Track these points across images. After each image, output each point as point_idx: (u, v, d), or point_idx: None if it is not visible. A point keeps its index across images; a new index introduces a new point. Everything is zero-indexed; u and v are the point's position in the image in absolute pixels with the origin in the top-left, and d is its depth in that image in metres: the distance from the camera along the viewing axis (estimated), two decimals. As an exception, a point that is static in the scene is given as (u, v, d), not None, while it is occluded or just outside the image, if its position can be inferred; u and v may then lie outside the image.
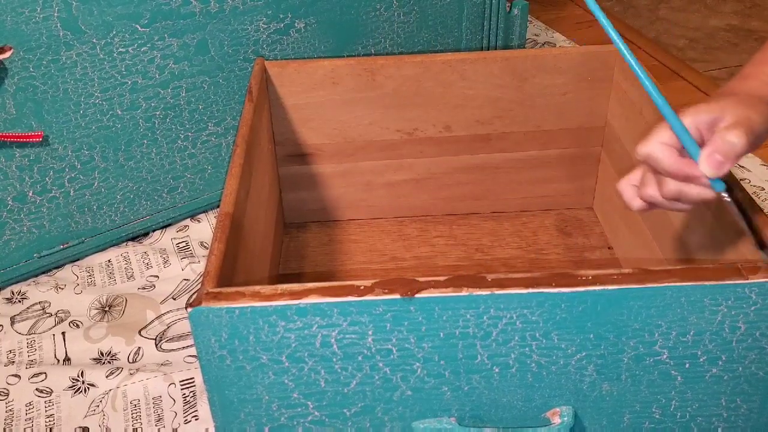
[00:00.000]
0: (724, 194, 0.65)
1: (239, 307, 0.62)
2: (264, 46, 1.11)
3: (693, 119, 0.66)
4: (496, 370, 0.67)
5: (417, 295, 0.63)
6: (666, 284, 0.63)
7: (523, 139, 1.12)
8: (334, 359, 0.65)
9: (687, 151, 0.65)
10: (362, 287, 0.63)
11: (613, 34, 0.67)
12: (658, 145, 0.66)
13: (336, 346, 0.65)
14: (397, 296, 0.63)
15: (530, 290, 0.63)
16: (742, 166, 1.31)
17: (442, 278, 0.64)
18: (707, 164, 0.63)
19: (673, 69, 1.65)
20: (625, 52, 0.67)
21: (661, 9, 1.99)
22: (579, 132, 1.11)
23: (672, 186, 0.66)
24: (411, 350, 0.65)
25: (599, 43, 1.09)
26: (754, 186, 1.27)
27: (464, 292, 0.63)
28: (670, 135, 0.66)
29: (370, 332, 0.64)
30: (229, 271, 0.71)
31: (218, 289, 0.64)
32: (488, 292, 0.63)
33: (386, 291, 0.63)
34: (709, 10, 2.00)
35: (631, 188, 0.72)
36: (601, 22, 0.67)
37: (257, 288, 0.63)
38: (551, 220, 1.18)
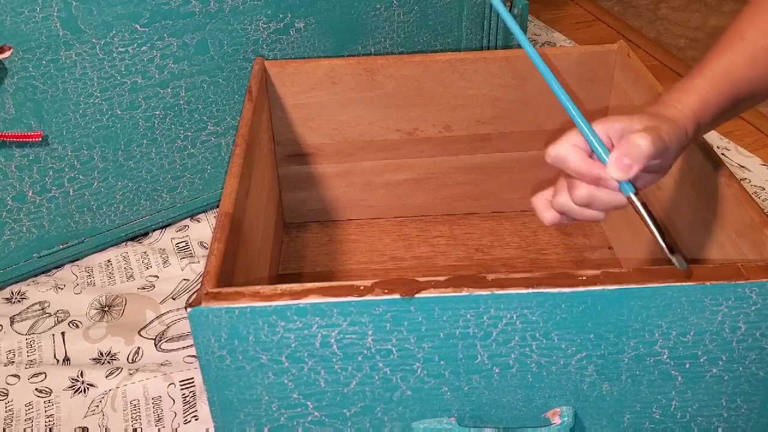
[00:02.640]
0: (634, 198, 0.65)
1: (239, 307, 0.62)
2: (264, 45, 1.11)
3: (603, 126, 0.67)
4: (497, 370, 0.67)
5: (417, 295, 0.62)
6: (666, 284, 0.63)
7: (524, 138, 1.11)
8: (334, 359, 0.65)
9: (596, 154, 0.66)
10: (362, 287, 0.63)
11: (522, 38, 0.67)
12: (567, 146, 0.66)
13: (336, 346, 0.65)
14: (397, 296, 0.62)
15: (530, 290, 0.63)
16: (743, 166, 1.31)
17: (442, 278, 0.64)
18: (615, 166, 0.64)
19: (673, 69, 1.65)
20: (530, 51, 0.67)
21: (661, 8, 1.98)
22: (579, 132, 1.11)
23: (583, 190, 0.66)
24: (411, 350, 0.65)
25: (600, 42, 1.09)
26: (754, 186, 1.27)
27: (464, 292, 0.63)
28: (582, 139, 0.66)
29: (370, 332, 0.64)
30: (229, 271, 0.71)
31: (218, 289, 0.63)
32: (488, 292, 0.63)
33: (386, 291, 0.63)
34: (710, 9, 2.00)
35: (545, 201, 0.72)
36: (506, 21, 0.67)
37: (257, 288, 0.63)
38: (551, 220, 1.18)
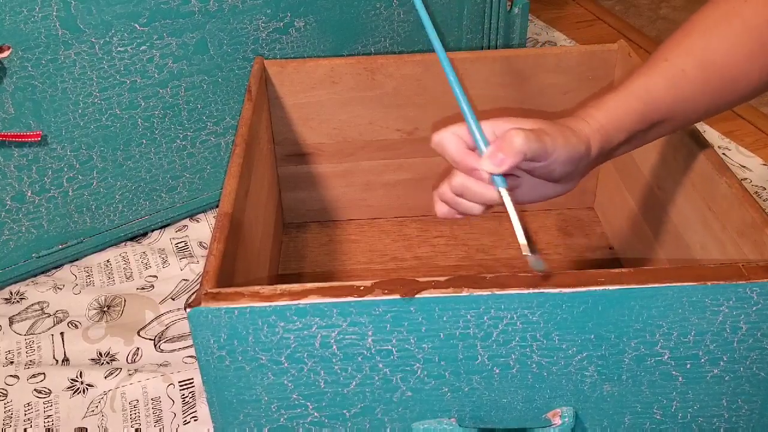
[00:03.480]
0: (504, 192, 0.66)
1: (238, 308, 0.62)
2: (263, 45, 1.11)
3: (492, 123, 0.68)
4: (497, 370, 0.67)
5: (417, 296, 0.62)
6: (667, 284, 0.63)
7: (524, 138, 1.11)
8: (334, 360, 0.65)
9: (477, 147, 0.68)
10: (362, 288, 0.63)
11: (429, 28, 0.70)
12: (449, 134, 0.69)
13: (336, 347, 0.64)
14: (397, 296, 0.62)
15: (531, 290, 0.63)
16: (744, 166, 1.31)
17: (442, 278, 0.63)
18: (488, 159, 0.66)
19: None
20: (436, 44, 0.70)
21: (662, 8, 1.98)
22: (579, 131, 1.11)
23: (457, 179, 0.69)
24: (411, 351, 0.65)
25: (600, 42, 1.08)
26: (755, 186, 1.27)
27: (465, 293, 0.62)
28: (467, 131, 0.68)
29: (369, 333, 0.64)
30: (229, 271, 0.71)
31: (217, 290, 0.63)
32: (489, 293, 0.63)
33: (386, 291, 0.62)
34: (710, 9, 1.99)
35: (437, 194, 0.74)
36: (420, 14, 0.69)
37: (256, 288, 0.63)
38: (552, 220, 1.17)
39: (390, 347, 0.65)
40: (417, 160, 1.12)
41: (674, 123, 0.75)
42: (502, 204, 0.67)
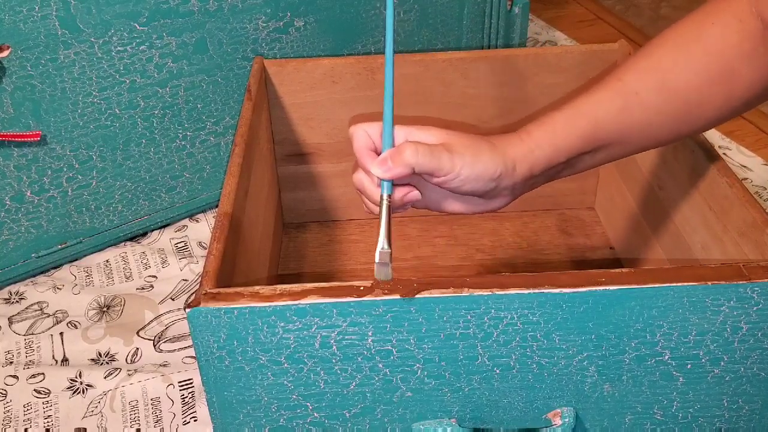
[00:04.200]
0: (385, 197, 0.67)
1: (238, 308, 0.62)
2: (263, 44, 1.11)
3: (407, 130, 0.69)
4: (497, 371, 0.67)
5: (417, 296, 0.62)
6: (668, 285, 0.63)
7: (524, 138, 1.11)
8: (334, 360, 0.65)
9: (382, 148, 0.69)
10: (362, 288, 0.63)
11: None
12: (360, 131, 0.70)
13: (335, 347, 0.64)
14: (397, 296, 0.62)
15: (531, 291, 0.63)
16: (744, 166, 1.31)
17: (442, 279, 0.63)
18: (377, 164, 0.67)
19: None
20: (389, 41, 0.69)
21: (662, 7, 1.98)
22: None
23: (358, 175, 0.71)
24: (411, 351, 0.65)
25: (601, 41, 1.08)
26: (756, 186, 1.27)
27: (465, 293, 0.62)
28: (378, 131, 0.69)
29: (369, 333, 0.64)
30: (228, 271, 0.71)
31: (217, 290, 0.63)
32: (489, 293, 0.62)
33: (386, 291, 0.62)
34: (710, 9, 1.99)
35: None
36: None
37: (256, 288, 0.63)
38: (552, 221, 1.17)
39: (390, 347, 0.65)
40: (417, 159, 1.12)
41: (627, 147, 0.73)
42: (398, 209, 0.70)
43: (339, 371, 0.66)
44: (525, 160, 0.69)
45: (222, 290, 0.63)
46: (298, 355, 0.64)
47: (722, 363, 0.68)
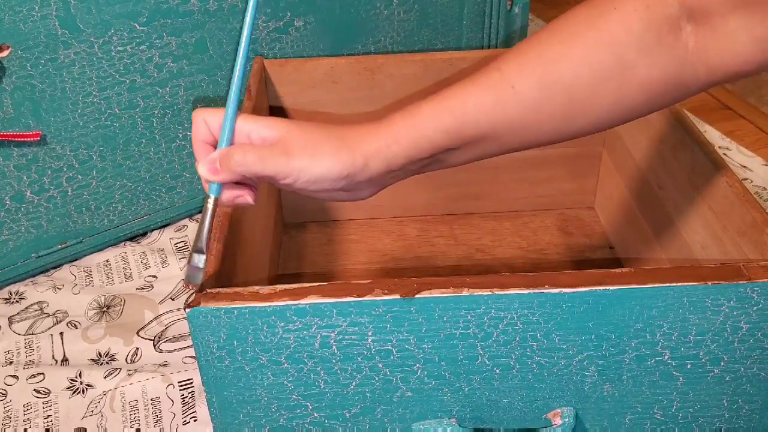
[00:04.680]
0: (210, 200, 0.64)
1: (238, 308, 0.62)
2: (263, 44, 1.11)
3: (256, 126, 0.64)
4: (497, 371, 0.67)
5: (417, 296, 0.62)
6: (668, 284, 0.63)
7: (524, 138, 1.11)
8: (334, 360, 0.65)
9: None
10: (362, 288, 0.63)
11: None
12: (200, 118, 0.65)
13: (335, 347, 0.64)
14: (397, 296, 0.62)
15: (531, 291, 0.63)
16: (745, 166, 1.31)
17: (442, 278, 0.63)
18: (206, 165, 0.63)
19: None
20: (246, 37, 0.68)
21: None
22: (580, 131, 1.11)
23: (197, 164, 0.65)
24: (411, 351, 0.65)
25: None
26: (756, 186, 1.27)
27: (465, 293, 0.62)
28: (218, 120, 0.64)
29: (369, 333, 0.64)
30: (228, 271, 0.71)
31: (217, 290, 0.63)
32: (489, 293, 0.62)
33: (386, 291, 0.62)
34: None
35: None
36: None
37: (256, 288, 0.63)
38: (552, 220, 1.17)
39: (390, 347, 0.65)
40: (417, 159, 1.12)
41: (503, 145, 0.66)
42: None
43: (339, 371, 0.66)
44: (380, 156, 0.63)
45: (222, 290, 0.63)
46: (298, 355, 0.64)
47: (722, 363, 0.68)
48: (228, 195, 0.65)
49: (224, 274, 0.68)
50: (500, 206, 1.18)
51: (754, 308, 0.64)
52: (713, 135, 1.39)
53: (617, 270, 0.65)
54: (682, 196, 0.89)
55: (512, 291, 0.63)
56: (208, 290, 0.63)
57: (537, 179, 1.15)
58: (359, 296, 0.62)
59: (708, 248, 0.84)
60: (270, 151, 0.62)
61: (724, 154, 1.34)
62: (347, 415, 0.69)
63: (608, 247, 1.12)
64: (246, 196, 0.65)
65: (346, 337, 0.64)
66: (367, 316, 0.63)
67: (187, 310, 0.62)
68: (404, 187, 1.14)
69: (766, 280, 0.63)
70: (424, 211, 1.18)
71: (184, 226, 1.19)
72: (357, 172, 0.63)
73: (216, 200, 0.64)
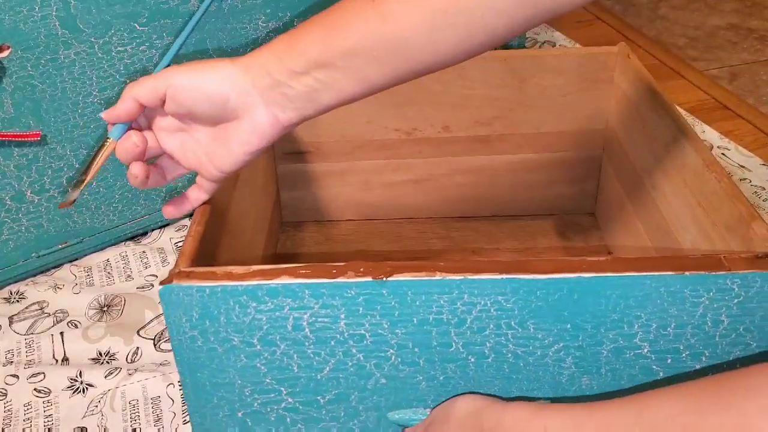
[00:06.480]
0: (107, 142, 0.68)
1: (209, 286, 0.62)
2: (263, 44, 1.11)
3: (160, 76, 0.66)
4: (472, 359, 0.66)
5: (389, 279, 0.62)
6: (645, 273, 0.62)
7: (523, 141, 1.11)
8: (307, 343, 0.65)
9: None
10: (334, 269, 0.63)
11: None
12: (130, 97, 0.67)
13: (308, 330, 0.64)
14: (369, 279, 0.62)
15: (504, 276, 0.62)
16: (743, 166, 1.30)
17: (416, 262, 0.63)
18: (106, 111, 0.67)
19: (673, 68, 1.63)
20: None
21: (661, 8, 1.98)
22: (579, 134, 1.11)
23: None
24: (384, 336, 0.65)
25: (600, 42, 1.08)
26: (754, 186, 1.25)
27: (437, 276, 0.62)
28: (146, 92, 0.66)
29: (342, 316, 0.64)
30: (209, 254, 0.71)
31: (191, 269, 0.63)
32: (461, 277, 0.62)
33: (358, 273, 0.62)
34: (710, 8, 1.99)
35: None
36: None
37: (229, 268, 0.63)
38: (550, 224, 1.17)
39: (363, 331, 0.64)
40: (415, 160, 1.12)
41: (383, 65, 0.68)
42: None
43: (312, 355, 0.66)
44: (258, 64, 0.66)
45: (195, 269, 0.63)
46: (271, 337, 0.64)
47: (704, 358, 0.67)
48: (137, 168, 0.69)
49: (204, 257, 0.68)
50: (498, 209, 1.18)
51: (735, 300, 0.63)
52: (712, 135, 1.38)
53: (593, 258, 0.64)
54: (673, 193, 0.89)
55: (485, 276, 0.62)
56: (182, 269, 0.63)
57: (536, 183, 1.15)
58: (331, 278, 0.62)
59: (698, 245, 0.82)
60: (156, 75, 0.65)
61: (723, 154, 1.33)
62: (321, 401, 0.69)
63: (606, 252, 1.11)
64: (156, 176, 0.72)
65: (319, 319, 0.64)
66: (340, 298, 0.63)
67: (160, 287, 0.62)
68: (402, 188, 1.15)
69: (746, 271, 0.62)
70: (421, 212, 1.18)
71: (184, 225, 1.20)
72: (238, 84, 0.65)
73: (112, 143, 0.68)
